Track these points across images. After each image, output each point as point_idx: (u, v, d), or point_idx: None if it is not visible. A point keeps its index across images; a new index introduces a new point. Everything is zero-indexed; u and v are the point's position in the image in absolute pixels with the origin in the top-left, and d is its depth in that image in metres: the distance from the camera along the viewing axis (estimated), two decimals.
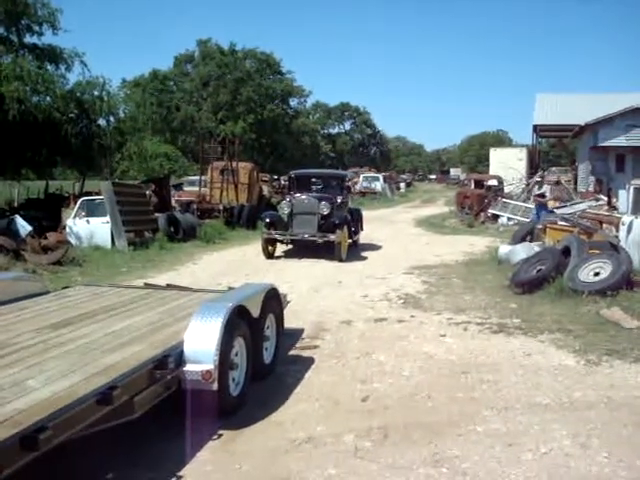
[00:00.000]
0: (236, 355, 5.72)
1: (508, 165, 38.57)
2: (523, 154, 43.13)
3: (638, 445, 5.14)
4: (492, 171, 41.60)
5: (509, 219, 24.84)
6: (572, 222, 14.83)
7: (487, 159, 50.26)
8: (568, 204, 19.46)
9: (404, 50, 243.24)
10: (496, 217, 25.74)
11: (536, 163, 43.49)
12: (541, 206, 20.19)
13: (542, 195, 20.16)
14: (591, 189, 29.28)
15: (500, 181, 35.02)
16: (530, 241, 15.21)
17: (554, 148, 65.19)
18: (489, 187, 31.26)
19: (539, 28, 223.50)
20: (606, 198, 23.65)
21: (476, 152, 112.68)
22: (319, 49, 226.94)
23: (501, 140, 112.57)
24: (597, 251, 11.39)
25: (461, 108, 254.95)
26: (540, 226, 15.80)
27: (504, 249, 14.57)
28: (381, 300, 11.10)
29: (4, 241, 14.69)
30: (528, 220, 21.00)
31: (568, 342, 8.11)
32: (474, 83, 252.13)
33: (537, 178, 31.86)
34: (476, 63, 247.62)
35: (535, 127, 42.98)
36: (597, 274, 10.51)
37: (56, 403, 3.92)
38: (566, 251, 11.71)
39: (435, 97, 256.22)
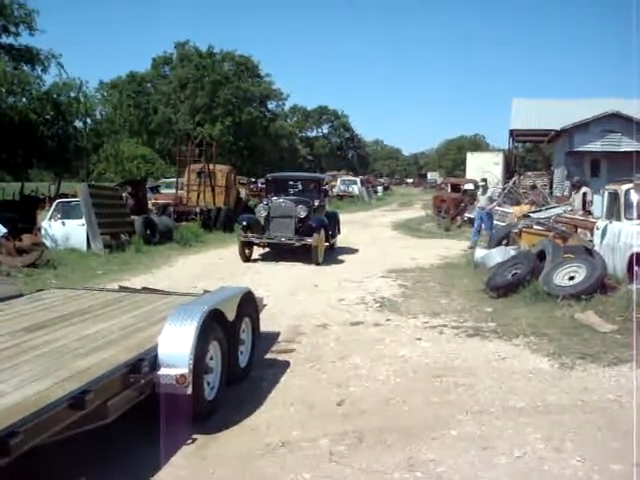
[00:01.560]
0: (211, 359, 5.69)
1: (484, 169, 38.75)
2: (500, 158, 43.41)
3: (611, 448, 5.18)
4: (469, 175, 41.81)
5: None
6: (547, 226, 14.93)
7: (464, 163, 50.50)
8: (543, 208, 19.46)
9: (382, 54, 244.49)
10: (472, 221, 25.83)
11: (512, 167, 43.74)
12: (487, 214, 19.52)
13: (491, 199, 19.49)
14: (566, 193, 29.49)
15: (476, 185, 35.18)
16: (506, 245, 15.29)
17: (530, 153, 65.68)
18: (465, 191, 31.37)
19: (517, 33, 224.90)
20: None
21: (453, 156, 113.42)
22: (297, 52, 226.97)
23: (478, 144, 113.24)
24: (572, 255, 11.47)
25: (439, 112, 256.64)
26: (516, 230, 15.88)
27: (480, 253, 14.63)
28: (357, 304, 11.11)
29: None
30: (504, 224, 21.07)
31: (542, 346, 8.16)
32: (452, 87, 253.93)
33: (511, 183, 32.05)
34: (454, 67, 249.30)
35: (511, 132, 43.23)
36: (572, 278, 10.59)
37: (28, 407, 3.88)
38: (541, 255, 11.78)
39: (413, 101, 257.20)
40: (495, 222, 24.18)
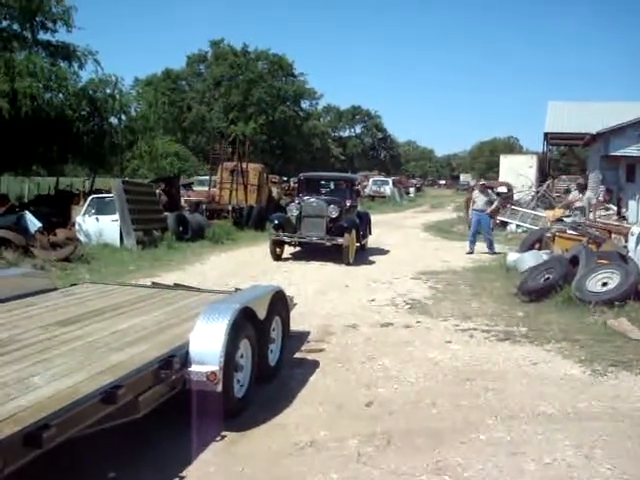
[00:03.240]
0: (241, 357, 5.72)
1: (518, 172, 38.44)
2: (533, 161, 42.94)
3: None
4: (502, 178, 41.44)
5: (518, 226, 24.78)
6: (581, 231, 14.79)
7: (497, 165, 50.04)
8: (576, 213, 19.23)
9: (417, 55, 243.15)
10: (505, 224, 25.67)
11: (546, 171, 43.36)
12: (485, 217, 18.74)
13: (490, 202, 18.61)
14: (601, 198, 29.19)
15: (509, 188, 34.91)
16: (539, 249, 15.17)
17: (565, 156, 65.04)
18: (498, 194, 31.15)
19: (553, 35, 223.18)
20: (616, 208, 23.58)
21: (486, 158, 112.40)
22: (331, 51, 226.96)
23: (512, 147, 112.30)
24: (605, 261, 11.34)
25: (472, 114, 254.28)
26: (549, 234, 15.75)
27: (512, 256, 14.54)
28: (388, 305, 11.09)
29: (13, 237, 14.74)
30: (537, 228, 20.89)
31: (574, 352, 8.08)
32: (486, 89, 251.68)
33: (544, 186, 31.80)
34: (488, 69, 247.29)
35: (546, 135, 42.86)
36: (605, 284, 10.47)
37: (60, 401, 3.92)
38: (574, 260, 11.68)
39: (446, 102, 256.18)
40: (516, 224, 23.75)
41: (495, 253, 18.17)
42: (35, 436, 3.51)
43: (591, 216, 17.16)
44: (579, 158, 47.48)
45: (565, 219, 17.59)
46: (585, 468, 4.91)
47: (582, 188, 18.08)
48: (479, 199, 18.86)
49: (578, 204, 17.19)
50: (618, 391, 6.70)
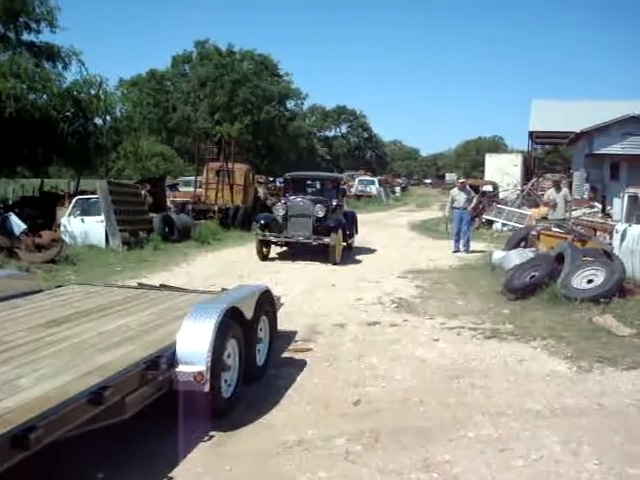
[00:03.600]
0: (228, 357, 5.71)
1: (503, 171, 38.61)
2: (518, 160, 43.10)
3: (629, 453, 5.15)
4: (487, 176, 41.56)
5: (503, 225, 24.87)
6: (566, 229, 14.86)
7: (482, 164, 50.20)
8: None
9: (401, 55, 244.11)
10: (490, 223, 25.76)
11: (531, 169, 43.53)
12: (467, 213, 18.88)
13: (469, 200, 18.66)
14: (585, 196, 29.36)
15: (495, 187, 35.05)
16: (524, 247, 15.22)
17: (549, 155, 65.33)
18: (484, 192, 31.24)
19: (537, 34, 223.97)
20: (600, 205, 23.73)
21: (472, 157, 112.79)
22: (316, 52, 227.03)
23: (497, 146, 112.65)
24: (591, 258, 11.42)
25: (457, 113, 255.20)
26: (534, 232, 15.81)
27: (498, 255, 14.58)
28: (374, 304, 11.11)
29: None
30: (522, 226, 20.97)
31: (560, 349, 8.12)
32: (470, 88, 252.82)
33: (529, 185, 31.90)
34: (473, 68, 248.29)
35: (531, 133, 43.03)
36: (590, 281, 10.53)
37: (47, 402, 3.91)
38: (560, 258, 11.73)
39: (432, 102, 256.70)
40: (502, 223, 23.83)
41: (469, 251, 18.25)
42: (22, 438, 3.50)
43: (567, 214, 17.20)
44: (564, 156, 47.76)
45: (549, 217, 17.64)
46: (572, 464, 4.94)
47: (558, 185, 18.09)
48: (460, 197, 18.89)
49: (558, 201, 17.22)
50: (604, 387, 6.74)
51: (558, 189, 17.80)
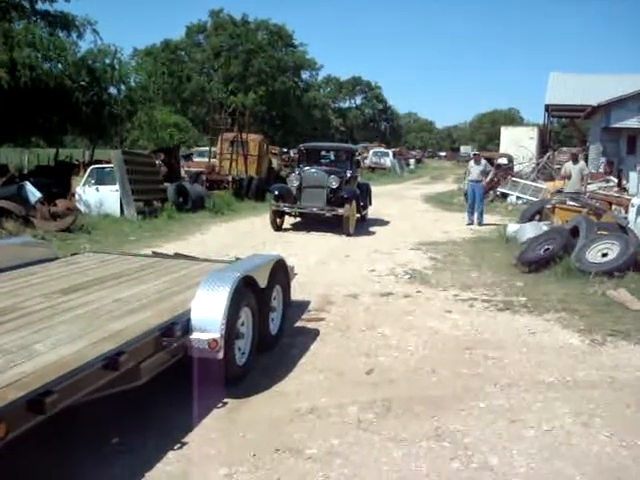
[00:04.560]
0: (242, 325, 5.75)
1: (519, 144, 38.30)
2: (534, 133, 42.73)
3: None
4: (503, 149, 41.33)
5: (518, 198, 24.75)
6: (581, 203, 14.78)
7: (498, 137, 49.83)
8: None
9: (416, 26, 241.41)
10: (505, 196, 25.63)
11: (547, 143, 43.19)
12: (481, 186, 18.77)
13: (485, 172, 18.52)
14: (602, 170, 29.13)
15: (510, 160, 34.83)
16: (539, 220, 15.17)
17: (566, 128, 64.83)
18: (499, 165, 31.04)
19: (555, 4, 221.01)
20: (616, 179, 23.53)
21: (487, 130, 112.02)
22: (331, 22, 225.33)
23: (512, 119, 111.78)
24: (605, 232, 11.36)
25: (473, 86, 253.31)
26: (549, 206, 15.74)
27: (512, 227, 14.55)
28: (388, 275, 11.12)
29: (14, 207, 14.76)
30: (537, 199, 20.86)
31: (573, 322, 8.12)
32: (487, 60, 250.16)
33: (545, 158, 31.67)
34: (490, 40, 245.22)
35: (547, 106, 42.62)
36: (605, 255, 10.49)
37: (63, 367, 3.95)
38: (574, 231, 11.69)
39: (447, 74, 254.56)
40: (516, 196, 23.72)
41: (482, 224, 18.19)
42: (38, 402, 3.53)
43: (583, 188, 17.09)
44: (580, 130, 47.28)
45: (564, 190, 17.56)
46: (584, 435, 4.96)
47: (575, 159, 17.94)
48: (474, 170, 18.82)
49: (574, 174, 17.11)
50: (617, 360, 6.73)
51: (575, 161, 17.67)
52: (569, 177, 17.28)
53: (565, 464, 4.50)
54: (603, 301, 8.98)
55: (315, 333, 7.52)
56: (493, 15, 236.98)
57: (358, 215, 17.32)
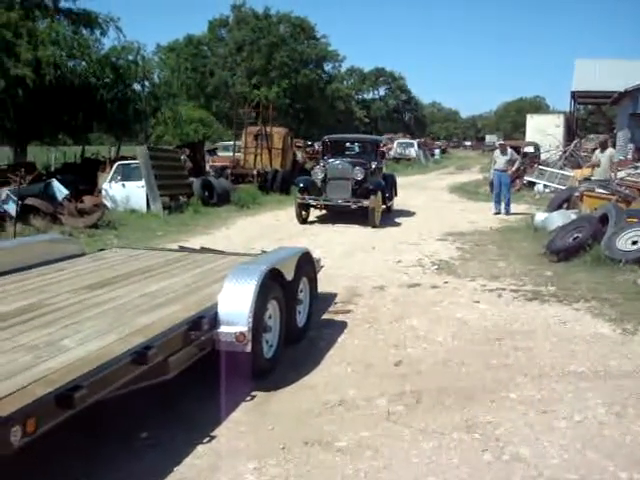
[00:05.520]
0: (269, 318, 5.73)
1: (545, 132, 37.90)
2: (560, 121, 42.25)
3: None
4: (529, 138, 40.89)
5: (545, 186, 24.51)
6: (610, 190, 14.59)
7: (524, 126, 49.33)
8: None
9: (440, 15, 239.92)
10: (532, 184, 25.40)
11: (573, 130, 42.74)
12: (508, 175, 18.71)
13: (511, 161, 18.45)
14: (629, 157, 28.74)
15: (537, 148, 34.47)
16: (567, 209, 15.01)
17: (592, 115, 64.07)
18: (525, 154, 30.74)
19: None
20: None
21: (512, 118, 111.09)
22: (354, 13, 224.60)
23: (538, 106, 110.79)
24: (635, 219, 11.19)
25: (498, 74, 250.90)
26: (577, 193, 15.56)
27: (540, 216, 14.41)
28: (414, 266, 11.06)
29: (41, 204, 14.87)
30: (564, 187, 20.64)
31: (604, 311, 8.01)
32: (511, 48, 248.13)
33: (572, 145, 31.31)
34: (515, 27, 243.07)
35: (573, 93, 42.16)
36: (635, 243, 10.35)
37: (91, 362, 3.96)
38: (603, 219, 11.55)
39: (471, 62, 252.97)
40: (544, 184, 23.50)
41: (509, 213, 18.03)
42: (67, 397, 3.54)
43: (612, 175, 16.84)
44: (607, 117, 46.74)
45: (592, 178, 17.34)
46: (617, 426, 4.88)
47: (604, 146, 17.71)
48: (500, 159, 18.69)
49: (603, 161, 16.89)
50: None
51: (604, 149, 17.45)
52: (598, 164, 17.06)
53: (598, 455, 4.44)
54: (634, 289, 8.86)
55: (342, 325, 7.49)
56: (518, 2, 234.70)
57: (384, 206, 17.26)
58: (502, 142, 20.56)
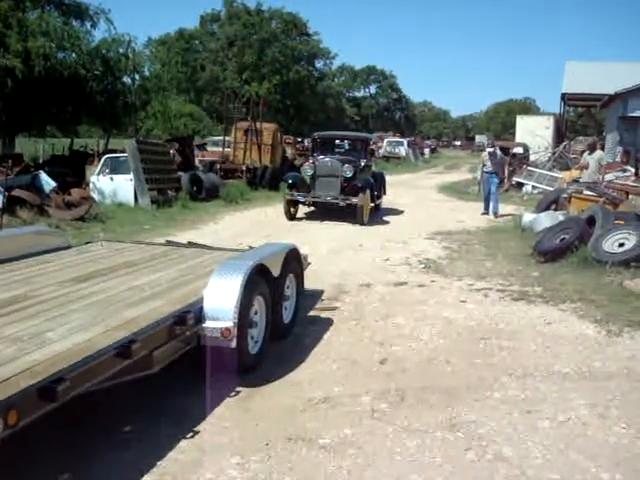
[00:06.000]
0: (255, 314, 5.72)
1: (535, 133, 38.04)
2: (550, 122, 42.41)
3: None
4: (518, 139, 41.06)
5: (534, 187, 24.56)
6: (598, 192, 14.65)
7: (513, 126, 49.59)
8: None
9: (432, 15, 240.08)
10: (521, 185, 25.46)
11: (563, 132, 42.90)
12: (496, 177, 18.69)
13: (502, 164, 18.36)
14: (618, 159, 28.86)
15: (526, 149, 34.58)
16: (555, 210, 15.06)
17: (582, 117, 64.32)
18: (514, 155, 30.83)
19: None
20: (633, 169, 23.29)
21: (502, 119, 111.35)
22: (346, 11, 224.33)
23: (528, 108, 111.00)
24: (622, 222, 11.24)
25: (488, 75, 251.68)
26: (565, 195, 15.61)
27: (528, 217, 14.45)
28: (402, 264, 11.07)
29: (28, 196, 14.79)
30: (553, 189, 20.71)
31: (590, 312, 8.04)
32: (502, 49, 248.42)
33: (561, 147, 31.42)
34: (505, 29, 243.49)
35: (563, 95, 42.31)
36: (622, 245, 10.39)
37: (75, 355, 3.94)
38: (591, 221, 11.59)
39: (462, 63, 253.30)
40: (532, 185, 23.57)
41: (497, 214, 18.02)
42: (50, 389, 3.51)
43: (599, 177, 16.93)
44: (596, 119, 46.92)
45: (581, 180, 17.43)
46: (600, 427, 4.90)
47: (592, 148, 17.80)
48: (488, 160, 18.73)
49: (592, 163, 16.98)
50: (633, 351, 6.66)
51: (592, 151, 17.51)
52: (586, 167, 17.13)
53: (581, 456, 4.45)
54: (620, 291, 8.89)
55: (328, 322, 7.49)
56: (510, 2, 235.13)
57: (372, 204, 17.28)
58: (491, 150, 20.09)
